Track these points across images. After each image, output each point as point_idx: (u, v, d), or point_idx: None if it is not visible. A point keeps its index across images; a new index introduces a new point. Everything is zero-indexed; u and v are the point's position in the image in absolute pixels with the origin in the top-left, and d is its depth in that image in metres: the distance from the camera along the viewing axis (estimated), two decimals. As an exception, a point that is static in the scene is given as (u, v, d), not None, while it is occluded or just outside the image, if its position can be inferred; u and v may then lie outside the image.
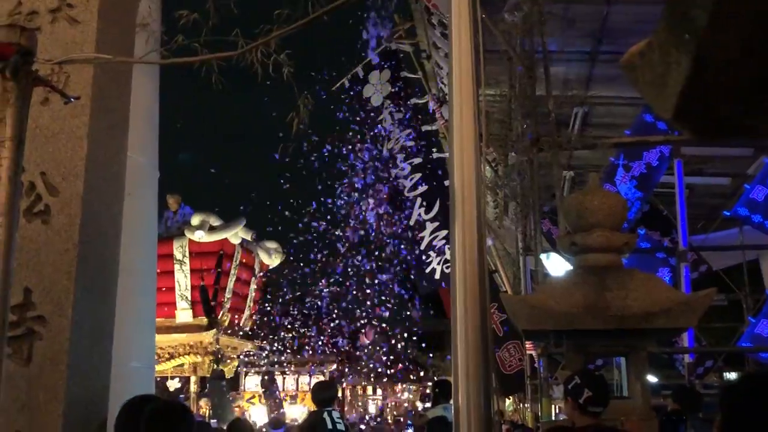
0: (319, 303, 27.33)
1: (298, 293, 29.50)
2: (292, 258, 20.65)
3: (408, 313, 31.22)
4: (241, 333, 17.83)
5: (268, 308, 24.19)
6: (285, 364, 31.19)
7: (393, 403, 36.78)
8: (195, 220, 15.81)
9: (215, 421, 14.74)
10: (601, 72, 11.57)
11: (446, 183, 13.07)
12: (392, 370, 33.99)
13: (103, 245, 3.50)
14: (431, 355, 35.58)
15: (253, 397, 26.92)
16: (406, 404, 35.82)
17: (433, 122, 14.24)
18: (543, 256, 10.95)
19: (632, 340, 5.39)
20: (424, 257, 13.84)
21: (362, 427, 26.69)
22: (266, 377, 22.62)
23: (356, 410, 33.37)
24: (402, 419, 28.64)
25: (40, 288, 3.22)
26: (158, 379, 15.80)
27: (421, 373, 36.05)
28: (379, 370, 33.69)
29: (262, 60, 4.33)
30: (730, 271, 15.69)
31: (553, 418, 10.83)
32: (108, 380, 3.46)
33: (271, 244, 18.23)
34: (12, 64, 2.24)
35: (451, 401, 3.24)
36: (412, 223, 14.01)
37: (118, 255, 3.63)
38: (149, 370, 6.29)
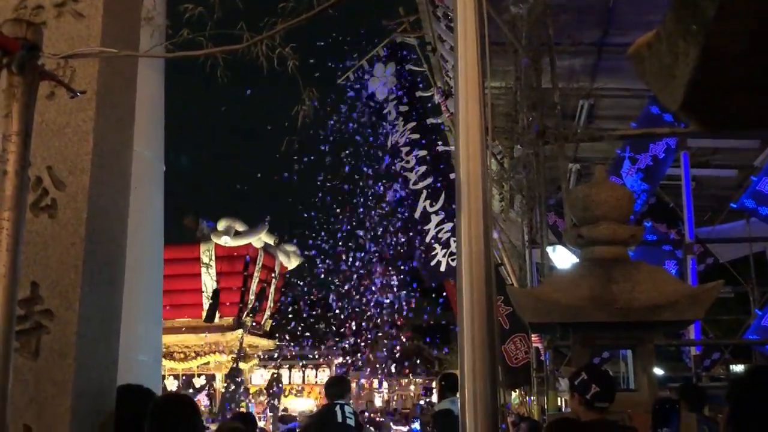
0: (328, 297, 27.40)
1: (305, 288, 29.69)
2: (302, 251, 20.91)
3: (413, 306, 31.24)
4: (260, 332, 18.36)
5: (281, 305, 24.48)
6: (290, 358, 31.31)
7: (400, 396, 36.86)
8: (221, 225, 16.42)
9: (228, 407, 15.28)
10: (607, 64, 11.53)
11: (452, 176, 13.07)
12: (397, 363, 34.05)
13: (110, 239, 3.50)
14: (436, 350, 35.64)
15: (260, 391, 27.20)
16: (411, 396, 35.91)
17: (438, 115, 14.23)
18: (549, 249, 10.94)
19: (639, 333, 5.38)
20: (429, 250, 13.85)
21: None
22: (274, 374, 22.69)
23: (362, 403, 33.45)
24: (409, 413, 28.73)
25: (47, 282, 3.22)
26: (184, 376, 17.43)
27: (428, 364, 36.10)
28: (384, 364, 33.75)
29: (267, 53, 4.33)
30: (736, 264, 15.65)
31: (560, 411, 10.83)
32: (115, 374, 3.47)
33: (290, 247, 18.77)
34: (18, 58, 2.23)
35: (458, 394, 3.24)
36: (417, 215, 14.00)
37: (125, 249, 3.63)
38: (156, 363, 6.31)
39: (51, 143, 3.35)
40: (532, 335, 11.59)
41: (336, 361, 32.10)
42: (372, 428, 25.38)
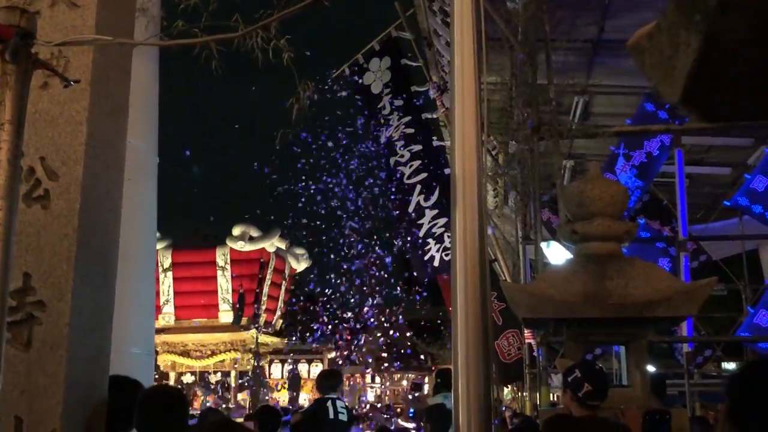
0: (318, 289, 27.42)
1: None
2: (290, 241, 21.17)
3: (404, 301, 31.31)
4: (272, 331, 19.40)
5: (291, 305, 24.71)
6: (283, 353, 31.34)
7: (392, 391, 36.89)
8: (236, 230, 17.36)
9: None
10: (602, 60, 11.54)
11: (446, 171, 13.07)
12: (390, 357, 34.09)
13: (103, 230, 3.49)
14: (429, 343, 35.68)
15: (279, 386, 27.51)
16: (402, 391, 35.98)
17: (433, 110, 14.21)
18: (543, 245, 10.95)
19: (632, 329, 5.39)
20: (423, 245, 13.84)
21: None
22: (256, 370, 23.00)
23: (355, 398, 33.47)
24: (402, 410, 28.75)
25: (40, 273, 3.21)
26: (201, 373, 18.49)
27: (421, 359, 36.13)
28: (378, 357, 33.78)
29: (262, 46, 4.31)
30: (729, 261, 15.71)
31: (552, 406, 10.85)
32: (107, 366, 3.46)
33: (300, 251, 19.79)
34: (12, 46, 2.21)
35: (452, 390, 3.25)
36: (411, 210, 13.99)
37: (118, 240, 3.62)
38: (149, 356, 6.29)
39: (44, 133, 3.32)
40: (525, 331, 11.61)
41: (329, 355, 32.09)
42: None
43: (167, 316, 18.53)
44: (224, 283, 17.95)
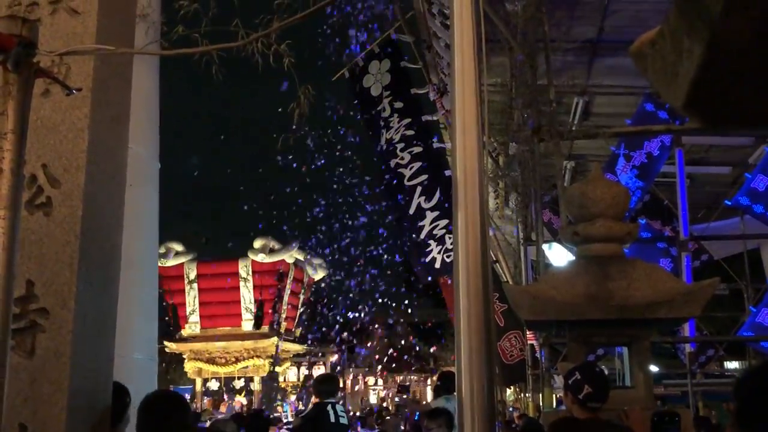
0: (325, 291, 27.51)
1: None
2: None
3: (406, 303, 31.31)
4: (292, 338, 20.40)
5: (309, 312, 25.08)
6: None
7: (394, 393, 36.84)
8: (257, 243, 18.52)
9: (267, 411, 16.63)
10: (602, 61, 11.54)
11: (447, 173, 13.06)
12: (391, 360, 34.07)
13: (105, 237, 3.49)
14: (431, 345, 35.65)
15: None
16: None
17: (433, 112, 14.21)
18: (545, 246, 10.95)
19: (634, 330, 5.39)
20: (424, 247, 13.83)
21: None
22: (272, 374, 23.33)
23: (357, 401, 33.46)
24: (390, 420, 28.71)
25: (43, 280, 3.21)
26: (226, 379, 19.73)
27: (423, 361, 36.12)
28: (381, 360, 33.75)
29: (262, 51, 4.31)
30: (731, 260, 15.70)
31: (555, 407, 10.85)
32: (111, 372, 3.46)
33: (317, 260, 20.84)
34: (14, 56, 2.22)
35: (454, 393, 3.24)
36: (411, 212, 13.98)
37: (120, 247, 3.62)
38: (151, 362, 6.29)
39: (46, 141, 3.33)
40: (528, 332, 11.61)
41: (332, 359, 32.09)
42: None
43: (193, 325, 19.48)
44: (247, 293, 18.99)
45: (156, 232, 6.58)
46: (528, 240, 12.56)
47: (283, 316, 19.48)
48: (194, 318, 19.60)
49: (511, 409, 19.69)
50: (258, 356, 19.33)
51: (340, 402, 7.70)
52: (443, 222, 13.52)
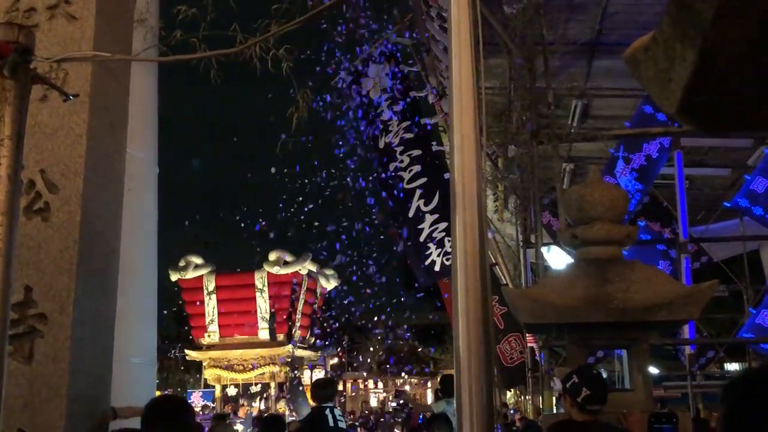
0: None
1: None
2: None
3: (406, 306, 31.28)
4: (306, 345, 21.56)
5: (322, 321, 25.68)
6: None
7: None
8: (272, 256, 19.69)
9: (294, 416, 17.47)
10: (600, 63, 11.54)
11: (446, 175, 13.05)
12: (392, 363, 34.05)
13: (104, 242, 3.49)
14: (431, 348, 35.63)
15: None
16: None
17: (432, 115, 14.21)
18: (544, 249, 10.94)
19: (634, 333, 5.38)
20: (423, 250, 13.82)
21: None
22: (293, 381, 23.92)
23: (358, 404, 33.44)
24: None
25: (41, 286, 3.21)
26: (244, 385, 21.35)
27: (423, 364, 36.09)
28: (380, 362, 33.73)
29: (260, 55, 4.32)
30: (730, 262, 15.69)
31: (554, 410, 10.85)
32: (109, 377, 3.46)
33: (329, 271, 21.98)
34: (10, 62, 2.22)
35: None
36: (410, 215, 13.97)
37: (119, 252, 3.62)
38: (150, 366, 6.29)
39: (44, 146, 3.33)
40: (527, 335, 11.61)
41: (331, 361, 32.07)
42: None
43: (213, 334, 20.62)
44: (262, 303, 20.04)
45: (155, 236, 6.58)
46: (527, 242, 12.56)
47: (297, 325, 20.53)
48: (213, 327, 20.71)
49: (512, 411, 19.73)
50: (273, 363, 20.46)
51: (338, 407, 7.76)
52: (442, 225, 13.50)
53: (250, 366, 20.62)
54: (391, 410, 29.75)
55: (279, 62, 4.34)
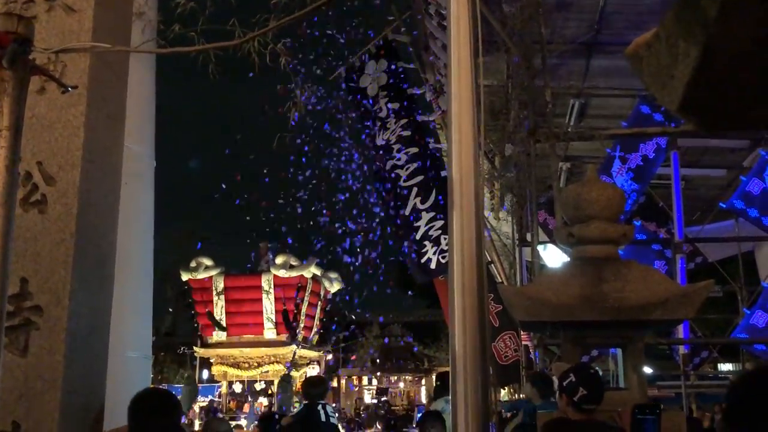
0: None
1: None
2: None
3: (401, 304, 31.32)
4: (309, 346, 22.57)
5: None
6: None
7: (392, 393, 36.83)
8: (279, 259, 20.77)
9: (284, 409, 17.84)
10: (598, 63, 11.55)
11: (443, 173, 13.05)
12: (387, 360, 34.07)
13: (100, 235, 3.49)
14: (426, 345, 35.65)
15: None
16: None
17: (429, 113, 14.19)
18: (539, 247, 10.95)
19: (629, 332, 5.39)
20: (419, 247, 13.81)
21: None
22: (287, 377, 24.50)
23: (352, 401, 33.47)
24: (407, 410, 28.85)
25: (37, 278, 3.21)
26: (248, 382, 22.41)
27: (418, 361, 36.11)
28: (375, 360, 33.76)
29: (259, 50, 4.31)
30: (725, 263, 15.73)
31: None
32: (105, 370, 3.46)
33: (333, 274, 23.03)
34: (9, 53, 2.21)
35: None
36: (407, 212, 13.95)
37: (115, 245, 3.61)
38: (146, 359, 6.29)
39: (41, 138, 3.32)
40: (522, 333, 11.61)
41: (327, 358, 32.09)
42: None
43: (221, 333, 21.62)
44: (268, 304, 21.10)
45: (151, 230, 6.58)
46: (523, 241, 12.56)
47: (301, 325, 21.55)
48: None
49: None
50: (278, 362, 21.52)
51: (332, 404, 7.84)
52: (439, 223, 13.48)
53: (255, 364, 21.64)
54: (372, 406, 30.22)
55: (277, 56, 4.34)
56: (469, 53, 3.18)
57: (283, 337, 21.35)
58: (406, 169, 13.96)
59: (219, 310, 21.58)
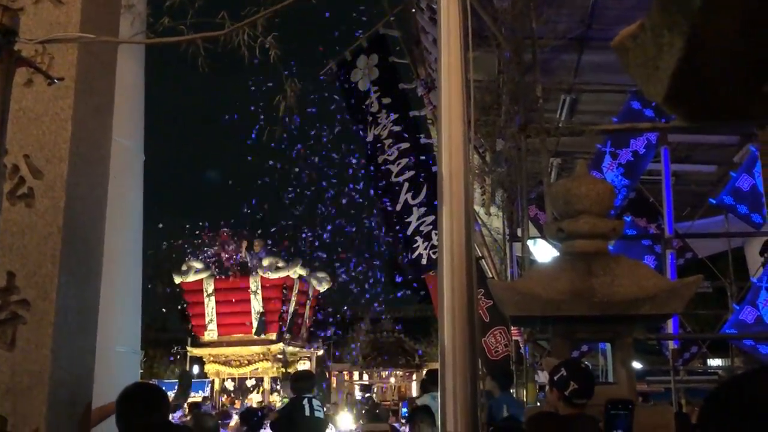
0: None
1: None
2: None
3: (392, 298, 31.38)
4: (299, 343, 23.84)
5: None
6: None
7: (380, 388, 36.84)
8: (265, 262, 22.01)
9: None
10: (589, 58, 11.56)
11: (434, 169, 13.04)
12: (377, 355, 34.09)
13: (88, 229, 3.47)
14: (417, 340, 35.68)
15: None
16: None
17: (421, 108, 14.18)
18: (530, 243, 10.96)
19: (618, 327, 5.41)
20: (410, 243, 13.81)
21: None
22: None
23: (343, 396, 33.48)
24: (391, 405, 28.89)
25: (24, 272, 3.19)
26: (240, 379, 23.28)
27: (408, 356, 36.10)
28: (366, 355, 33.76)
29: (248, 43, 4.29)
30: (715, 258, 15.81)
31: (538, 403, 10.88)
32: (93, 365, 3.44)
33: (321, 274, 24.32)
34: (-6, 43, 2.19)
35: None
36: (398, 208, 13.95)
37: (103, 239, 3.60)
38: (134, 354, 6.28)
39: (28, 131, 3.30)
40: (512, 328, 11.63)
41: (317, 353, 32.07)
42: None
43: (212, 332, 22.93)
44: (256, 305, 22.34)
45: (140, 224, 6.56)
46: (514, 236, 12.58)
47: (288, 324, 22.75)
48: (212, 326, 22.99)
49: None
50: (267, 359, 22.68)
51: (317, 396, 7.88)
52: (430, 218, 13.48)
53: (246, 362, 22.85)
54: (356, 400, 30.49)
55: (267, 50, 4.32)
56: (459, 48, 3.17)
57: (272, 335, 22.45)
58: (398, 165, 13.95)
59: (210, 311, 22.84)
